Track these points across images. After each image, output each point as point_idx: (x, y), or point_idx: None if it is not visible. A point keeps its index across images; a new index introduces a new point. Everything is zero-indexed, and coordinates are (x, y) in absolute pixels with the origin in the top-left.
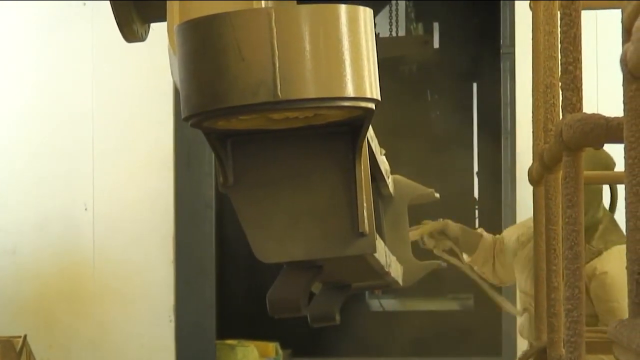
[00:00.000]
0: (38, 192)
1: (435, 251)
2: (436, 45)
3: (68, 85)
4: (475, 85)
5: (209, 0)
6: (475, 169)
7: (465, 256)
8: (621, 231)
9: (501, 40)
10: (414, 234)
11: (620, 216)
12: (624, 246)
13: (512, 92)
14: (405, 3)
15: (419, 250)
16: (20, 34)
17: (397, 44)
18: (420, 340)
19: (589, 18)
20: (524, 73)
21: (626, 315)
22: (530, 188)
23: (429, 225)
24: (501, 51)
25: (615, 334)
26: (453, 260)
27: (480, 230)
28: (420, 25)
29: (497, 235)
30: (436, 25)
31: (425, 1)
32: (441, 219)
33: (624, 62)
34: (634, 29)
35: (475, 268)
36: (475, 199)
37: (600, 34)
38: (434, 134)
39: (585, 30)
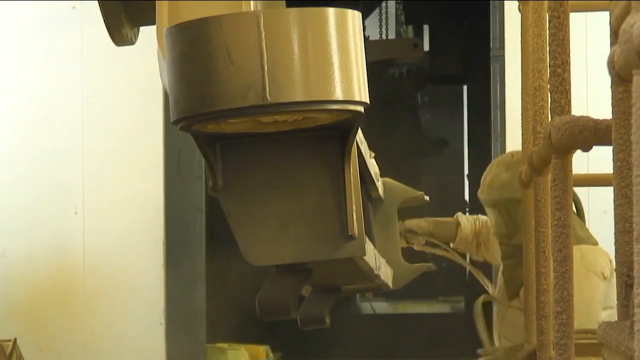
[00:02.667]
0: (28, 196)
1: (415, 247)
2: (426, 47)
3: (58, 89)
4: (465, 87)
5: (198, 1)
6: (466, 171)
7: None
8: (576, 232)
9: (491, 43)
10: None
11: (609, 219)
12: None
13: (502, 94)
14: (395, 6)
15: (410, 253)
16: (9, 37)
17: (387, 46)
18: (411, 342)
19: (578, 20)
20: (514, 75)
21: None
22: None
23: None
24: (491, 54)
25: (604, 336)
26: (438, 251)
27: (457, 216)
28: (410, 28)
29: (478, 216)
30: (426, 28)
31: (415, 4)
32: (405, 221)
33: (611, 64)
34: (620, 32)
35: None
36: (465, 201)
37: (590, 36)
38: (424, 137)
39: (575, 32)
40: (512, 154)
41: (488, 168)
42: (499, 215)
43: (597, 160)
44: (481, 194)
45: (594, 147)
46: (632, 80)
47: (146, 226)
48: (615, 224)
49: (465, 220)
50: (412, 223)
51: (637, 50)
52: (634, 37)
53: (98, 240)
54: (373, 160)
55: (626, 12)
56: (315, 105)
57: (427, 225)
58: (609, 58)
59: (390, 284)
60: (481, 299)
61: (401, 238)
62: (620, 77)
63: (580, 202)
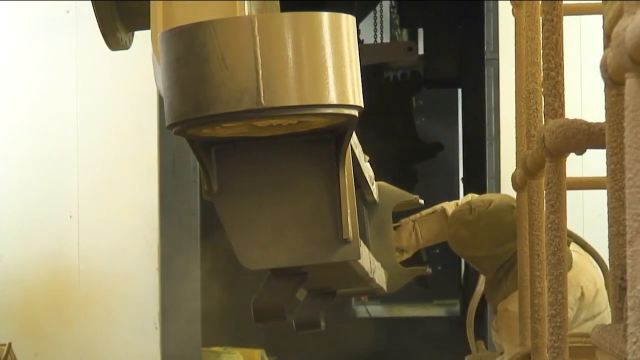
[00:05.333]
0: (23, 200)
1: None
2: (421, 51)
3: (52, 94)
4: (460, 91)
5: (193, 4)
6: (461, 174)
7: None
8: None
9: (485, 46)
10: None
11: (603, 222)
12: None
13: (496, 97)
14: (390, 9)
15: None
16: (2, 42)
17: (382, 50)
18: (407, 345)
19: (572, 23)
20: (508, 79)
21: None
22: (515, 194)
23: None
24: (485, 57)
25: (598, 339)
26: None
27: (442, 207)
28: (404, 32)
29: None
30: (420, 32)
31: (410, 8)
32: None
33: (604, 67)
34: (613, 35)
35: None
36: None
37: (584, 39)
38: (418, 140)
39: (569, 35)
40: (471, 208)
41: (450, 218)
42: (473, 264)
43: (591, 163)
44: (449, 241)
45: (589, 150)
46: (624, 83)
47: (141, 230)
48: (609, 227)
49: (449, 209)
50: (400, 241)
51: (629, 53)
52: (626, 40)
53: (93, 244)
54: (368, 164)
55: (619, 15)
56: (310, 110)
57: (416, 244)
58: (601, 61)
59: (385, 287)
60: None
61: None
62: (612, 81)
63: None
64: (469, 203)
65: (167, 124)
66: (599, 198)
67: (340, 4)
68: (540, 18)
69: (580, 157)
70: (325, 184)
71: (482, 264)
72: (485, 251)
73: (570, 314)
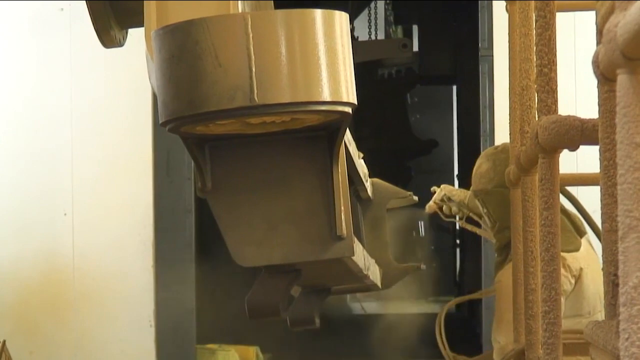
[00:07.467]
0: (17, 198)
1: (460, 223)
2: (415, 48)
3: (46, 91)
4: (454, 87)
5: (186, 3)
6: (456, 171)
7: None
8: None
9: (480, 43)
10: (430, 206)
11: (598, 218)
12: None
13: (490, 94)
14: (385, 6)
15: (401, 253)
16: None
17: (376, 47)
18: (402, 343)
19: (567, 19)
20: (503, 75)
21: (502, 321)
22: None
23: (436, 195)
24: (480, 54)
25: (591, 336)
26: (478, 230)
27: None
28: (399, 28)
29: None
30: (415, 28)
31: (404, 5)
32: (438, 187)
33: (596, 64)
34: (604, 31)
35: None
36: None
37: (578, 35)
38: (413, 137)
39: (563, 32)
40: (498, 145)
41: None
42: (482, 207)
43: (586, 160)
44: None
45: (584, 147)
46: (616, 79)
47: (135, 228)
48: (603, 223)
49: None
50: (447, 188)
51: (620, 49)
52: (617, 36)
53: (87, 242)
54: (362, 161)
55: (611, 12)
56: (303, 107)
57: (462, 195)
58: (593, 57)
59: (379, 284)
60: (444, 312)
61: (435, 204)
62: (604, 77)
63: (576, 200)
64: (498, 144)
65: (160, 122)
66: (594, 194)
67: (335, 2)
68: (534, 15)
69: (575, 153)
70: (319, 181)
71: (490, 204)
72: (497, 183)
73: (569, 288)
